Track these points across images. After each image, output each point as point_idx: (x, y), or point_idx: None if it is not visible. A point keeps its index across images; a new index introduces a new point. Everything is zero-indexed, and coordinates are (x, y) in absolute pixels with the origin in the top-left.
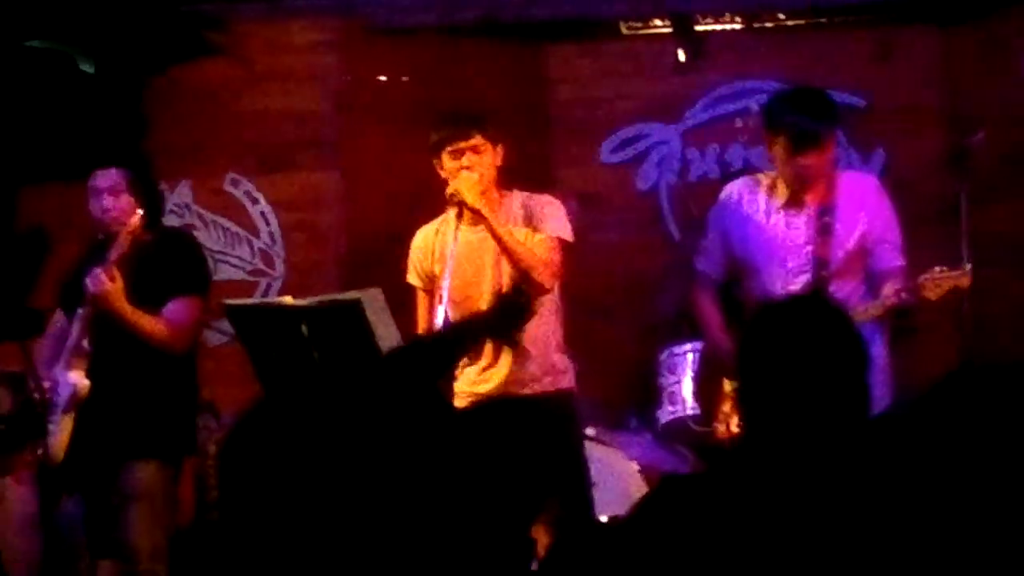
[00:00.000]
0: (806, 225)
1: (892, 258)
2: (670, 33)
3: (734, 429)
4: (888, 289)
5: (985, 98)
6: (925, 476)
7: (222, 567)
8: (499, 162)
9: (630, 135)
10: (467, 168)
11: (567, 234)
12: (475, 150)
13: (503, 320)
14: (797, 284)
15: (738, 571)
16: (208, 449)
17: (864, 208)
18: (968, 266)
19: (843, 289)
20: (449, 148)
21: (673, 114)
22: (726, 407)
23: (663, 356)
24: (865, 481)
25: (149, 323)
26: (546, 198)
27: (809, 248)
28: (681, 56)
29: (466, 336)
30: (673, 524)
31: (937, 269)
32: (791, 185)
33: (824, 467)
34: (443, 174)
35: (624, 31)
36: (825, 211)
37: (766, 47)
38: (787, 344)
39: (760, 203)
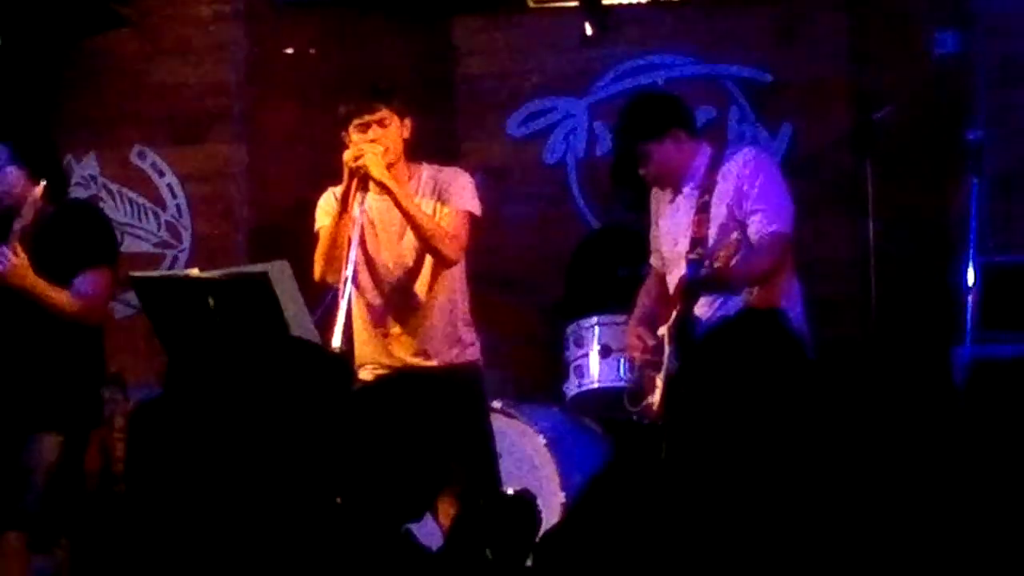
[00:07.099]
0: (691, 208)
1: (763, 225)
2: (577, 7)
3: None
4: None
5: (890, 74)
6: None
7: (127, 539)
8: (406, 135)
9: (537, 108)
10: (373, 141)
11: (476, 208)
12: (381, 123)
13: None
14: (682, 267)
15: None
16: (114, 421)
17: (734, 181)
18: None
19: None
20: (356, 121)
21: (580, 88)
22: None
23: (570, 329)
24: None
25: (59, 296)
26: (456, 171)
27: (690, 230)
28: (588, 30)
29: None
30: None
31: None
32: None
33: None
34: (351, 147)
35: (531, 4)
36: (704, 191)
37: (673, 21)
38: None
39: (667, 190)
